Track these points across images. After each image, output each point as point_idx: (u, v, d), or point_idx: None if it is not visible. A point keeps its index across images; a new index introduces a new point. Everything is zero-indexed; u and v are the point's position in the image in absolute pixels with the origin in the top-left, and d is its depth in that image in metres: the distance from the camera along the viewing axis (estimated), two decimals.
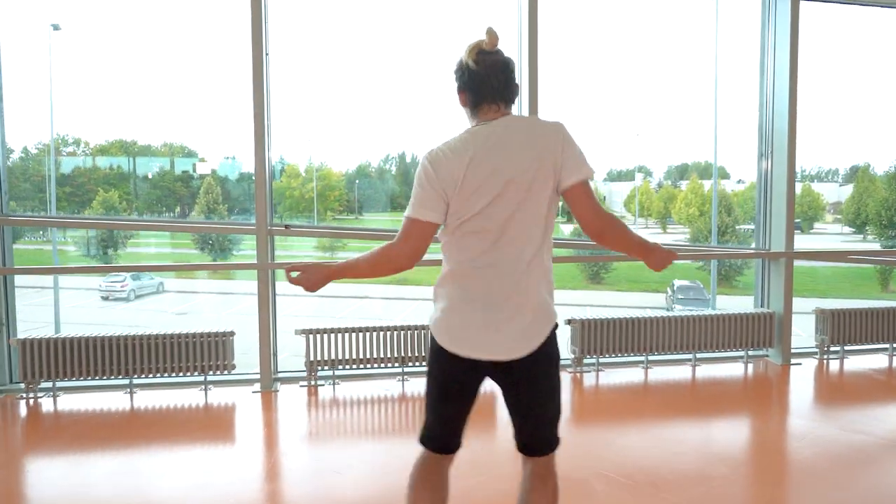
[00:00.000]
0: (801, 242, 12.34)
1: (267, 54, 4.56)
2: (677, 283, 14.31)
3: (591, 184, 1.85)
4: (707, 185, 16.12)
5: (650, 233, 16.20)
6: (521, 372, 1.84)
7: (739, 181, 16.68)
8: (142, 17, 5.59)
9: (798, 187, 13.50)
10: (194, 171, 10.88)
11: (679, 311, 4.84)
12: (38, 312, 10.00)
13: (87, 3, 5.09)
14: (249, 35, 4.42)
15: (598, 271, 15.90)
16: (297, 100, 4.77)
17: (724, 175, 16.42)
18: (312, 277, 1.89)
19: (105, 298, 14.43)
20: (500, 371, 1.84)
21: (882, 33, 6.04)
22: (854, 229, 15.77)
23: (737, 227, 15.02)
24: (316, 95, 5.32)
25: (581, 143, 1.82)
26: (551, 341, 1.87)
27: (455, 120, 1.99)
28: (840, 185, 17.83)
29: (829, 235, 16.26)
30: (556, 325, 1.89)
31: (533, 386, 1.87)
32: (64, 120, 4.80)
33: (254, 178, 4.64)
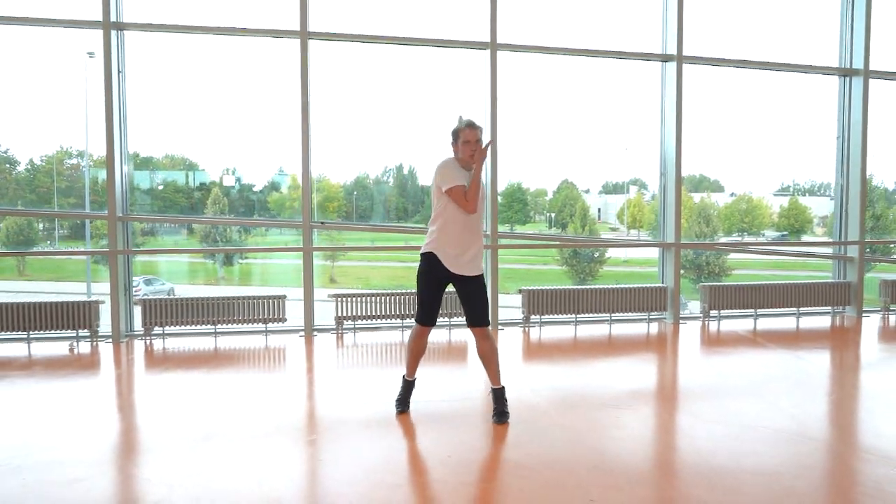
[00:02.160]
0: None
1: (309, 95, 7.21)
2: None
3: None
4: (697, 197, 18.24)
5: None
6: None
7: (732, 194, 18.78)
8: (144, 36, 7.41)
9: (785, 201, 15.52)
10: (221, 182, 12.92)
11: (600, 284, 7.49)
12: None
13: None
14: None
15: (586, 278, 18.28)
16: (296, 112, 6.79)
17: (718, 188, 18.53)
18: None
19: None
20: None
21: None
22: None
23: (715, 237, 17.22)
24: (315, 106, 7.33)
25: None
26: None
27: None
28: (831, 199, 19.90)
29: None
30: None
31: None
32: (67, 132, 6.47)
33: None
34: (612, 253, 14.25)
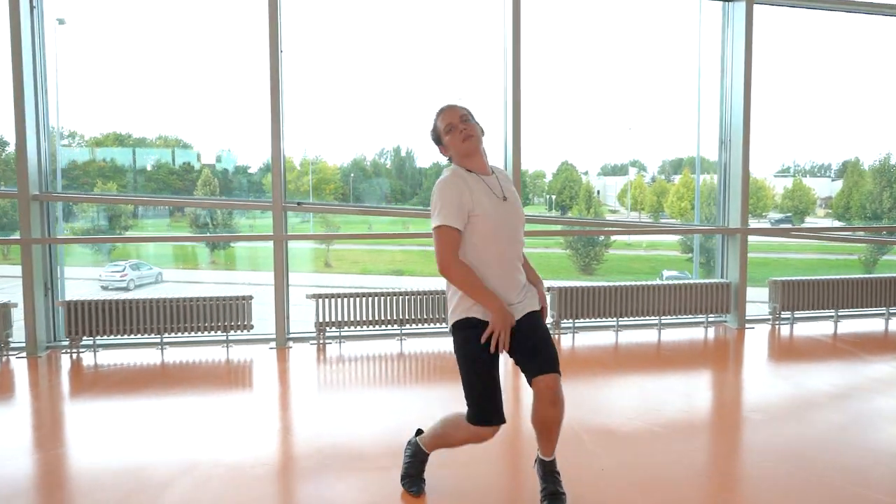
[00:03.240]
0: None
1: (281, 51, 5.38)
2: (666, 273, 15.21)
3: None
4: (700, 179, 16.97)
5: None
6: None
7: None
8: (139, 12, 6.19)
9: (789, 182, 14.38)
10: (200, 159, 11.63)
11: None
12: None
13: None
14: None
15: (590, 262, 16.74)
16: (291, 93, 5.43)
17: (714, 170, 17.28)
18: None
19: (105, 288, 15.04)
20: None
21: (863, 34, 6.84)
22: (844, 223, 16.71)
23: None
24: (310, 88, 5.97)
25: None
26: None
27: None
28: (832, 180, 18.73)
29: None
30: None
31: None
32: (59, 112, 5.34)
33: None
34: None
